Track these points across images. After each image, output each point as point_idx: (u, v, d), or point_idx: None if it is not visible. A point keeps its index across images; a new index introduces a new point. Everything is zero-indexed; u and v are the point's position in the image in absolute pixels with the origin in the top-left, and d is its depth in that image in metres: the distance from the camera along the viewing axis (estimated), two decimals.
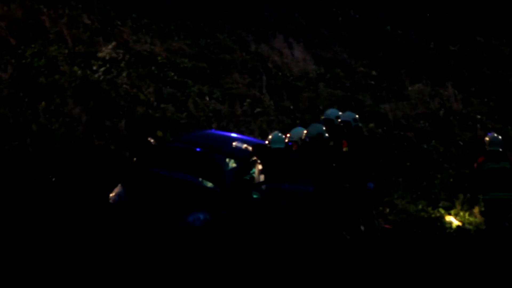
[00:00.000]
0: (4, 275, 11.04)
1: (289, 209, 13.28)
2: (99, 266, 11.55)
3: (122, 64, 19.76)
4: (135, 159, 14.03)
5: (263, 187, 13.33)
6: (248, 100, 19.13)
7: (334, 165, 14.07)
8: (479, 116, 19.65)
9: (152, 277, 11.45)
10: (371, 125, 18.57)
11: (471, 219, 15.66)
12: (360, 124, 14.56)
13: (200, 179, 13.52)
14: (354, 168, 13.91)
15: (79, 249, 12.01)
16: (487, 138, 14.46)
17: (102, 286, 11.20)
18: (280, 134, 13.76)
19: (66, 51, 19.79)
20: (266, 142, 14.01)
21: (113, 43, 20.50)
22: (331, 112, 14.89)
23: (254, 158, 13.65)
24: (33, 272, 11.22)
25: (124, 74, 19.41)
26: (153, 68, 19.96)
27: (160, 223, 12.54)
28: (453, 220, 15.71)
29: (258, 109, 18.77)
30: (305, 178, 13.58)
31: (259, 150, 13.49)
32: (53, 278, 11.15)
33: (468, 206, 15.87)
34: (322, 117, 14.70)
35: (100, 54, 19.96)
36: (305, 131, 14.10)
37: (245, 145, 13.97)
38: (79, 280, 11.19)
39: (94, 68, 19.40)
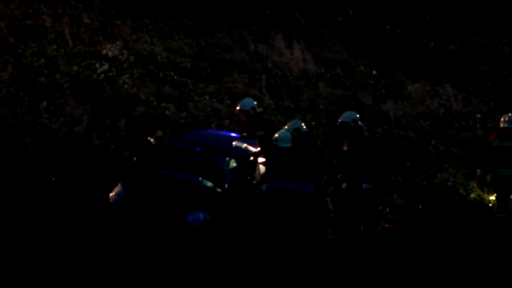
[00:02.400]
0: (4, 275, 11.00)
1: (291, 207, 13.24)
2: (99, 266, 11.50)
3: (124, 65, 19.69)
4: (135, 158, 13.98)
5: (264, 186, 13.31)
6: None
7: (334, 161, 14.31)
8: (478, 116, 19.64)
9: (152, 277, 11.41)
10: (370, 123, 18.47)
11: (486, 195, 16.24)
12: (360, 124, 14.53)
13: (200, 178, 13.52)
14: (351, 168, 13.94)
15: (79, 249, 11.95)
16: (502, 118, 15.57)
17: (102, 286, 11.13)
18: (287, 133, 13.78)
19: (66, 50, 19.82)
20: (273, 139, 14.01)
21: (114, 43, 20.37)
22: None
23: (258, 149, 13.77)
24: (33, 272, 11.18)
25: (125, 73, 19.25)
26: (153, 67, 19.94)
27: (160, 223, 12.56)
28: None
29: (259, 109, 18.51)
30: (308, 177, 13.58)
31: (265, 141, 13.46)
32: (53, 278, 11.12)
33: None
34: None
35: (103, 52, 19.92)
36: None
37: (245, 145, 13.97)
38: (79, 280, 11.15)
39: (95, 67, 19.27)
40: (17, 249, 11.80)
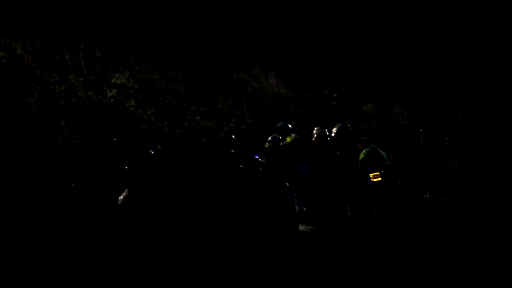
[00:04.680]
0: (17, 274, 11.27)
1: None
2: (102, 265, 11.61)
3: (130, 90, 19.72)
4: (139, 167, 14.32)
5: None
6: (234, 120, 19.21)
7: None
8: (421, 130, 19.74)
9: (159, 277, 11.49)
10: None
11: None
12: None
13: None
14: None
15: (84, 247, 12.10)
16: None
17: (105, 285, 11.24)
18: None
19: (82, 79, 19.93)
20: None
21: (121, 72, 20.36)
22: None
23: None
24: (44, 271, 11.40)
25: (130, 97, 19.46)
26: (153, 92, 20.03)
27: (162, 221, 12.73)
28: None
29: (242, 126, 18.67)
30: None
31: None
32: (60, 278, 11.31)
33: None
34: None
35: (112, 80, 19.98)
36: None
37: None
38: (83, 280, 11.28)
39: (106, 92, 19.42)
40: (36, 247, 12.11)
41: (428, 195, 16.22)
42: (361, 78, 21.94)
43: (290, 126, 15.87)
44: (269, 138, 14.91)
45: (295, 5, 23.53)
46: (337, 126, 15.25)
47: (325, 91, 21.24)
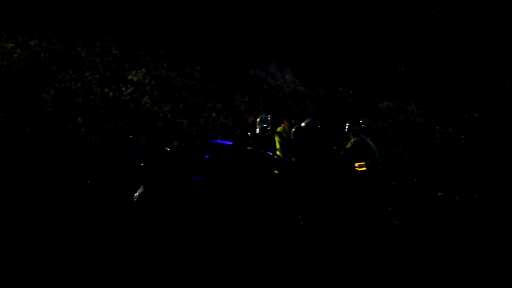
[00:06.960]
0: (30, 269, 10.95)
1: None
2: (116, 261, 11.38)
3: (147, 88, 19.79)
4: (154, 165, 14.13)
5: None
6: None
7: None
8: (437, 127, 19.59)
9: (172, 274, 11.23)
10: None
11: None
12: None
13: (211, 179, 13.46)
14: None
15: (99, 243, 11.92)
16: None
17: (118, 281, 10.96)
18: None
19: (98, 76, 20.11)
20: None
21: (137, 70, 20.51)
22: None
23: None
24: (57, 267, 11.05)
25: (146, 95, 19.51)
26: (170, 89, 20.05)
27: (178, 218, 12.63)
28: None
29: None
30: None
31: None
32: (74, 273, 10.94)
33: None
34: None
35: (128, 78, 20.14)
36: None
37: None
38: (97, 275, 10.97)
39: (122, 90, 19.50)
40: (50, 243, 11.78)
41: (443, 193, 16.09)
42: (377, 75, 22.23)
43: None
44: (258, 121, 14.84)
45: (311, 3, 23.55)
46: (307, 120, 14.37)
47: (341, 89, 21.37)
